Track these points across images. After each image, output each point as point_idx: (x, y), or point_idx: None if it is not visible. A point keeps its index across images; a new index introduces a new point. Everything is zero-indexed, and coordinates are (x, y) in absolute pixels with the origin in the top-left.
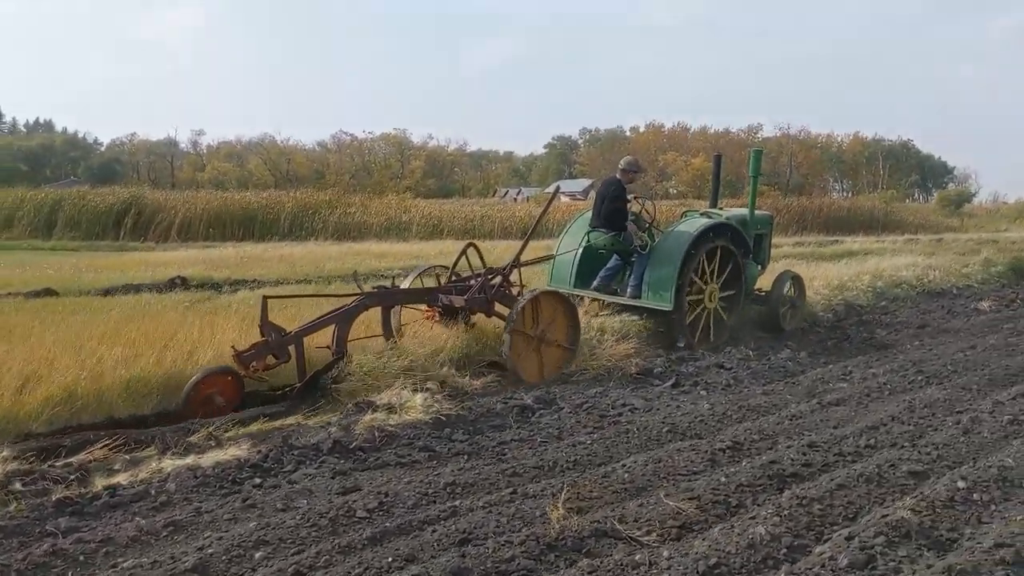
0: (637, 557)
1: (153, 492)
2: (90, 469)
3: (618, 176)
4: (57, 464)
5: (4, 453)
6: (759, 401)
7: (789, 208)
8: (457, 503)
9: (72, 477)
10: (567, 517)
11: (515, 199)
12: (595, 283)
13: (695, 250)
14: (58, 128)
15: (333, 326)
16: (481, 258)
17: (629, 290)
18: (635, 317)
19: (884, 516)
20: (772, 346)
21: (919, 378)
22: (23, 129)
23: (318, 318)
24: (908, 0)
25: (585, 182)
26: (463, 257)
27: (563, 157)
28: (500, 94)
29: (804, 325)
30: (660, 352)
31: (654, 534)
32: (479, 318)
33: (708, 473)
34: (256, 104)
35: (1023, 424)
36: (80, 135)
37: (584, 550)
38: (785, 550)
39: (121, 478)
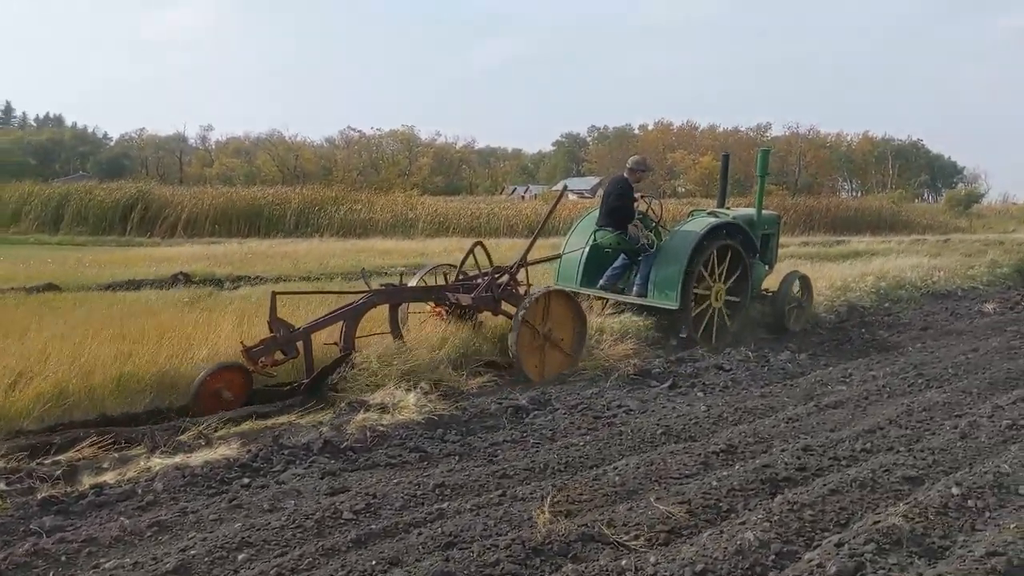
0: (623, 563)
1: (140, 491)
2: (78, 467)
3: (625, 175)
4: (45, 462)
5: None
6: (756, 403)
7: (796, 208)
8: (445, 505)
9: (58, 475)
10: (554, 521)
11: (523, 197)
12: (601, 282)
13: (702, 249)
14: (67, 123)
15: (341, 323)
16: (488, 257)
17: (635, 289)
18: (636, 317)
19: (876, 522)
20: (772, 347)
21: (919, 381)
22: (33, 124)
23: (326, 315)
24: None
25: (593, 180)
26: (470, 256)
27: (571, 155)
28: (509, 92)
29: (807, 326)
30: (659, 353)
31: (642, 539)
32: (485, 317)
33: (700, 477)
34: (265, 100)
35: (1022, 429)
36: (89, 130)
37: (570, 555)
38: (774, 557)
39: (108, 477)
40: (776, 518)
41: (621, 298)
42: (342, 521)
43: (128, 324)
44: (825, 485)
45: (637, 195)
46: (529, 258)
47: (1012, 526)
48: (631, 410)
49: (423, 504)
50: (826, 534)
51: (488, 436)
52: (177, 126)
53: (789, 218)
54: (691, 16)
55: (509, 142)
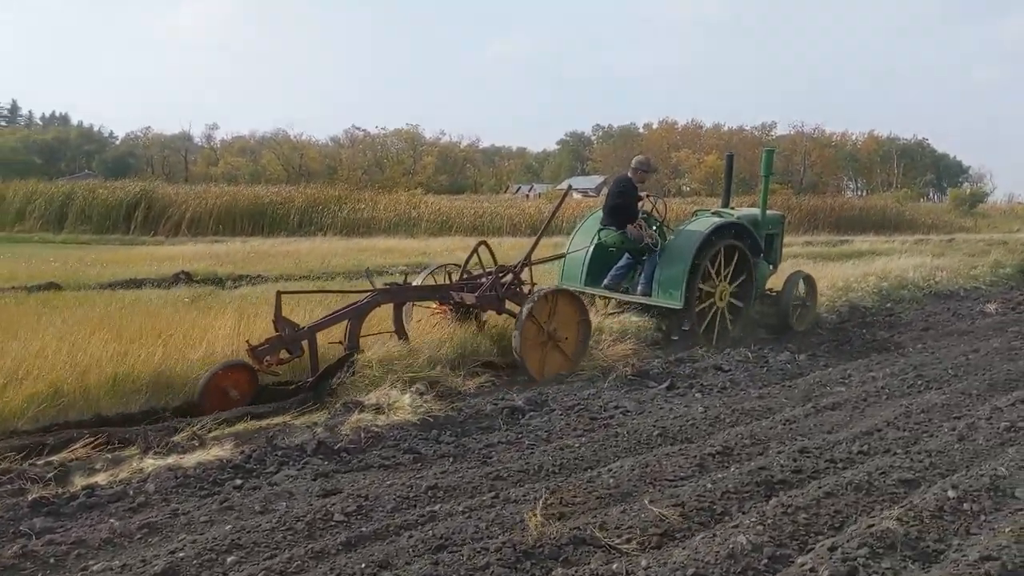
0: (614, 566)
1: (131, 492)
2: (70, 468)
3: (629, 175)
4: (38, 463)
5: None
6: (754, 404)
7: (800, 207)
8: (437, 507)
9: (49, 476)
10: (546, 523)
11: (527, 195)
12: (606, 281)
13: (706, 249)
14: (74, 122)
15: (346, 322)
16: (493, 256)
17: (639, 288)
18: (635, 317)
19: (870, 526)
20: (772, 348)
21: (919, 382)
22: (39, 122)
23: (331, 313)
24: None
25: (598, 179)
26: (474, 255)
27: (576, 153)
28: (513, 90)
29: (810, 327)
30: (659, 354)
31: (634, 542)
32: (488, 316)
33: (695, 479)
34: (270, 99)
35: (1020, 431)
36: (95, 128)
37: (561, 558)
38: (766, 561)
39: (101, 478)
40: (770, 521)
41: (625, 297)
42: (333, 523)
43: (126, 323)
44: (820, 488)
45: (644, 194)
46: (533, 257)
47: (1007, 530)
48: (628, 411)
49: (415, 506)
50: (820, 538)
51: (483, 437)
52: (183, 125)
53: (793, 217)
54: (695, 14)
55: (513, 141)
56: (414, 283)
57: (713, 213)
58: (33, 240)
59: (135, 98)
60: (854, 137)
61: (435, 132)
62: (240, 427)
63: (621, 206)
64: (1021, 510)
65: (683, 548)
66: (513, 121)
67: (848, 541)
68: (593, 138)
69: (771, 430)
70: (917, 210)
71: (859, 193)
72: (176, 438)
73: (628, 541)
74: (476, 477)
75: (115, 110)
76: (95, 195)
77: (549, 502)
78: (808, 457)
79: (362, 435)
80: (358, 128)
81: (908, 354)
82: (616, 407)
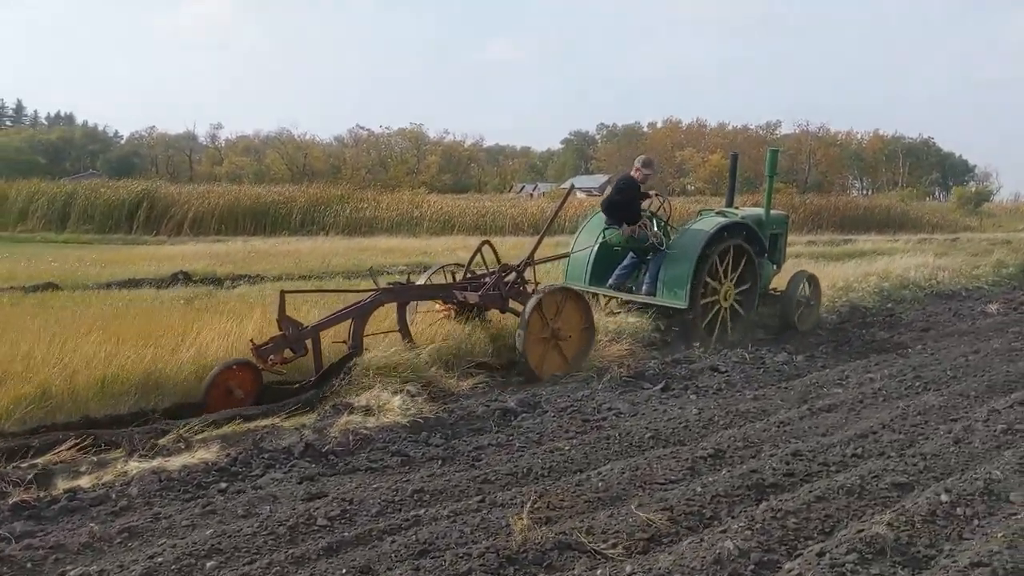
0: (598, 572)
1: (114, 496)
2: (54, 471)
3: (632, 174)
4: (22, 465)
5: None
6: (749, 406)
7: (804, 206)
8: (422, 512)
9: (31, 479)
10: (532, 528)
11: (531, 195)
12: (610, 281)
13: (710, 249)
14: (79, 121)
15: (350, 321)
16: (496, 255)
17: (644, 288)
18: (632, 318)
19: (860, 531)
20: (770, 348)
21: (916, 384)
22: (44, 122)
23: (335, 312)
24: None
25: (602, 178)
26: (478, 254)
27: (580, 152)
28: (518, 90)
29: (812, 327)
30: (655, 354)
31: (620, 547)
32: (491, 315)
33: (686, 482)
34: (274, 99)
35: (1017, 433)
36: (100, 128)
37: (545, 564)
38: (753, 567)
39: (84, 481)
40: (759, 526)
41: (630, 297)
42: (316, 528)
43: (119, 324)
44: (812, 492)
45: (652, 193)
46: (536, 256)
47: (1000, 535)
48: (621, 413)
49: (400, 510)
50: (809, 543)
51: (473, 439)
52: (187, 124)
53: (797, 217)
54: (698, 14)
55: (518, 140)
56: (417, 282)
57: (717, 213)
58: (35, 240)
59: (139, 98)
60: (859, 136)
61: (439, 131)
62: (228, 429)
63: (619, 203)
64: (1015, 514)
65: (669, 553)
66: (517, 120)
67: (837, 547)
68: (597, 137)
69: (765, 432)
70: (921, 209)
71: (864, 192)
72: (162, 440)
73: (614, 546)
74: (463, 480)
75: (120, 110)
76: (98, 195)
77: (536, 506)
78: (801, 460)
79: (350, 437)
80: (362, 127)
81: (907, 355)
82: (609, 409)
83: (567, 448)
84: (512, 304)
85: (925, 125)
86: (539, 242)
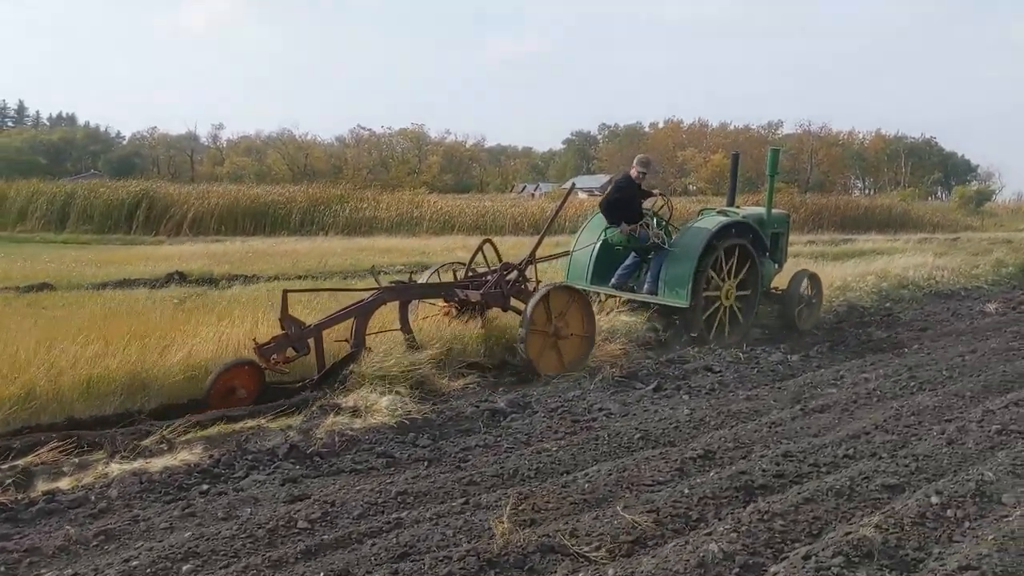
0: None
1: (93, 498)
2: (34, 472)
3: (631, 173)
4: (2, 467)
5: None
6: (741, 407)
7: (805, 206)
8: (404, 514)
9: (10, 481)
10: (514, 531)
11: (532, 194)
12: (612, 280)
13: (712, 248)
14: (80, 122)
15: (352, 320)
16: (498, 254)
17: (645, 287)
18: (627, 317)
19: (848, 534)
20: (765, 348)
21: (911, 384)
22: (46, 123)
23: (337, 311)
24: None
25: (603, 177)
26: (479, 252)
27: (582, 152)
28: (519, 90)
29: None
30: (650, 354)
31: (604, 550)
32: (493, 314)
33: (673, 484)
34: (275, 99)
35: (1011, 434)
36: (101, 129)
37: (526, 567)
38: (738, 570)
39: (64, 483)
40: (745, 528)
41: (631, 296)
42: (296, 531)
43: (108, 324)
44: (800, 493)
45: (656, 192)
46: (537, 255)
47: (990, 537)
48: (612, 413)
49: (382, 512)
50: (796, 545)
51: (460, 440)
52: (188, 125)
53: (798, 216)
54: (701, 13)
55: (519, 140)
56: (419, 281)
57: (719, 212)
58: (34, 240)
59: (140, 98)
60: (861, 135)
61: (440, 132)
62: (213, 430)
63: (618, 201)
64: (1006, 517)
65: (653, 556)
66: (518, 120)
67: (824, 549)
68: (599, 137)
69: (756, 433)
70: (923, 209)
71: (866, 192)
72: (145, 442)
73: (597, 549)
74: (448, 482)
75: (121, 111)
76: (97, 195)
77: (520, 508)
78: (791, 461)
79: (336, 439)
80: (363, 128)
81: (903, 355)
82: (600, 409)
83: (555, 449)
84: (514, 302)
85: (927, 125)
86: (540, 241)
